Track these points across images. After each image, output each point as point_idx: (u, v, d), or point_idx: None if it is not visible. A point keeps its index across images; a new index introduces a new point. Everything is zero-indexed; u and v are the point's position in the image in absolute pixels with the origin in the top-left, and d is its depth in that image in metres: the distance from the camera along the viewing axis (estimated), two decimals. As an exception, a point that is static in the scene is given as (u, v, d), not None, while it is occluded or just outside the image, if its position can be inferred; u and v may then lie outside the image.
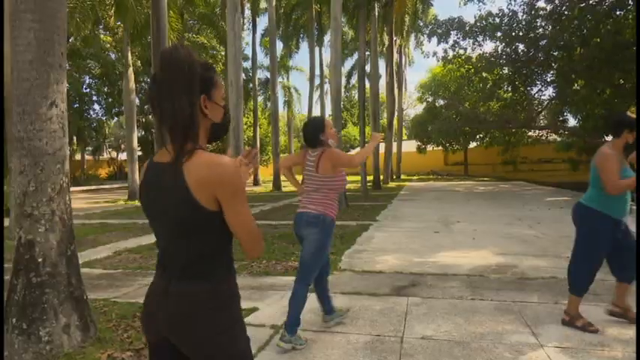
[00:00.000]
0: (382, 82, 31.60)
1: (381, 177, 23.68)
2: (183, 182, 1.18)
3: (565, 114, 21.54)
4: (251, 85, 28.61)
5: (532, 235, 7.20)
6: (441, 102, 28.09)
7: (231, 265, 1.33)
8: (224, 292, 1.28)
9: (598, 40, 15.80)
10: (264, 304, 3.88)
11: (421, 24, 24.60)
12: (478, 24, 19.46)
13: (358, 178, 24.13)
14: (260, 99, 34.55)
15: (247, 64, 30.63)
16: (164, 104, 1.20)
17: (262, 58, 35.92)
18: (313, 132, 3.07)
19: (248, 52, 33.51)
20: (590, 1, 17.13)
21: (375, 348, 2.95)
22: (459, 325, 3.31)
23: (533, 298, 3.96)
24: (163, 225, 1.27)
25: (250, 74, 29.65)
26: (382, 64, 32.48)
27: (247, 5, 26.30)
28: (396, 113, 27.35)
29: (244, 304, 3.83)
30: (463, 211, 10.70)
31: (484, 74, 20.09)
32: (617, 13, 17.13)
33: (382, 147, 30.96)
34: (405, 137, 36.32)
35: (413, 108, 47.30)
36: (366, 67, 20.15)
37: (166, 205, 1.22)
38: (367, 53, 33.69)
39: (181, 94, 1.18)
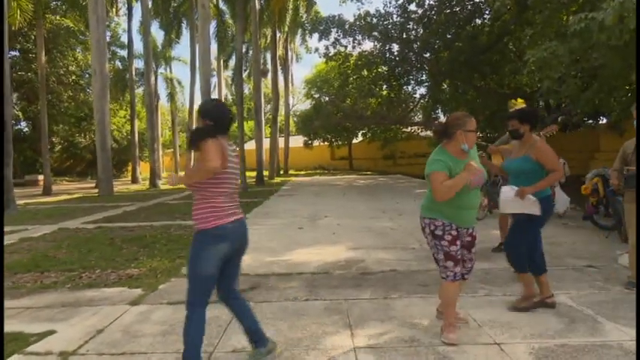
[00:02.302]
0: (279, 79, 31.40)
1: (266, 173, 23.50)
2: None
3: (437, 112, 23.24)
4: (129, 75, 26.51)
5: (389, 228, 7.45)
6: (327, 98, 28.68)
7: None
8: None
9: (459, 44, 17.19)
10: (66, 325, 3.33)
11: (305, 20, 24.75)
12: (357, 23, 20.05)
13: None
14: (140, 90, 32.21)
15: (127, 52, 28.28)
16: None
17: (142, 47, 33.55)
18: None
19: (132, 39, 30.96)
20: (455, 9, 18.55)
21: (177, 368, 2.63)
22: (280, 332, 3.13)
23: (366, 294, 3.95)
24: None
25: (127, 63, 27.47)
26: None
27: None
28: (280, 108, 27.27)
29: (39, 328, 3.32)
30: (335, 206, 10.86)
31: (365, 72, 20.89)
32: (477, 20, 18.81)
33: (267, 142, 30.71)
34: (294, 132, 36.51)
35: (303, 103, 47.85)
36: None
37: None
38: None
39: None
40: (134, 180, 25.77)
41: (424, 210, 3.03)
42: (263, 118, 21.81)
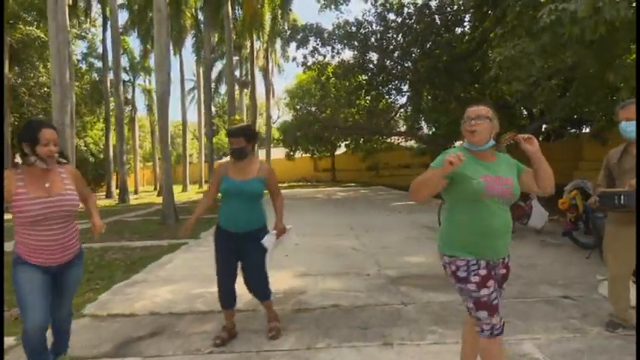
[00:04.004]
0: (260, 89, 30.78)
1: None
2: None
3: (420, 122, 22.69)
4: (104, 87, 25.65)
5: (351, 248, 6.71)
6: (309, 109, 28.04)
7: None
8: None
9: (437, 51, 16.70)
10: None
11: (283, 29, 24.15)
12: (336, 31, 19.54)
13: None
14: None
15: (102, 64, 27.44)
16: None
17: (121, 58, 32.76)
18: None
19: (107, 49, 30.11)
20: (434, 17, 18.12)
21: None
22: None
23: (288, 342, 3.20)
24: None
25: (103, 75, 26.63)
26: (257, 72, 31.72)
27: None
28: (259, 119, 26.57)
29: None
30: (303, 222, 10.09)
31: (346, 82, 20.31)
32: (457, 29, 18.38)
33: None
34: (276, 144, 35.80)
35: (287, 114, 47.22)
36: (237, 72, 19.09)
37: None
38: (236, 58, 32.56)
39: None
40: (108, 195, 24.79)
41: (441, 243, 2.29)
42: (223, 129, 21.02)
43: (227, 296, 3.30)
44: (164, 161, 10.46)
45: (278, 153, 33.94)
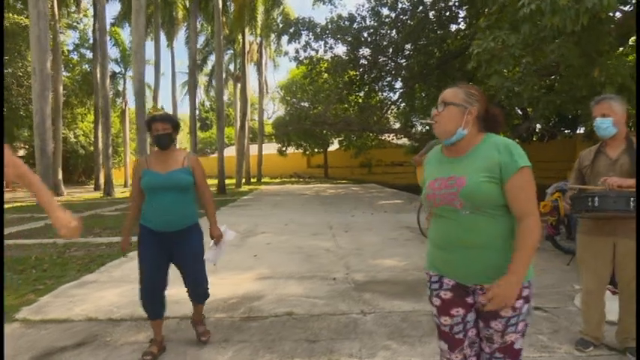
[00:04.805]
0: (255, 84, 30.36)
1: (234, 181, 22.43)
2: None
3: (413, 119, 22.37)
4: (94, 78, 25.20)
5: (323, 249, 6.39)
6: (302, 104, 27.71)
7: None
8: None
9: (430, 48, 16.38)
10: None
11: (274, 22, 23.76)
12: (329, 26, 19.21)
13: (209, 182, 22.56)
14: (109, 94, 30.84)
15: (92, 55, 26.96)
16: None
17: (112, 50, 32.32)
18: None
19: (97, 40, 29.58)
20: (429, 13, 17.78)
21: None
22: None
23: (223, 358, 2.88)
24: None
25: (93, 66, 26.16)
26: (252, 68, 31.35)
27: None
28: (249, 114, 26.22)
29: None
30: (283, 219, 9.78)
31: (338, 78, 19.98)
32: (452, 26, 18.04)
33: (233, 149, 29.69)
34: (268, 140, 35.40)
35: (282, 110, 46.81)
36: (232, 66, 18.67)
37: None
38: (231, 52, 32.13)
39: None
40: (97, 187, 24.44)
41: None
42: (224, 124, 20.76)
43: (155, 305, 2.97)
44: (140, 153, 10.11)
45: (271, 148, 33.61)
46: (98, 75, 23.60)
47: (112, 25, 30.00)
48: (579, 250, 3.00)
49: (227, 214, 10.93)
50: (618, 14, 5.74)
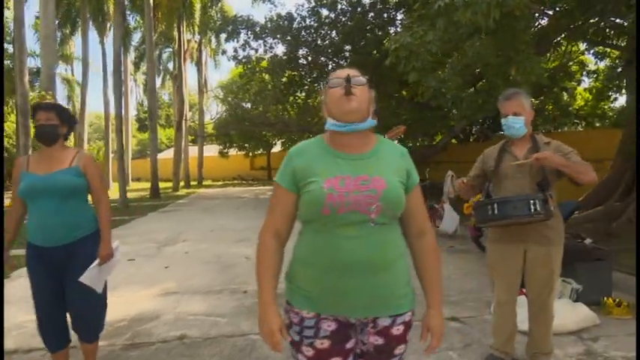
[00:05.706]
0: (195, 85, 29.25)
1: (171, 184, 21.44)
2: None
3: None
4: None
5: (244, 257, 5.94)
6: (243, 104, 27.04)
7: None
8: None
9: (368, 49, 16.37)
10: None
11: (212, 20, 22.94)
12: (269, 25, 18.82)
13: (146, 185, 21.35)
14: (32, 93, 28.64)
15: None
16: None
17: (34, 44, 30.06)
18: None
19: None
20: (368, 15, 17.80)
21: None
22: None
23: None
24: None
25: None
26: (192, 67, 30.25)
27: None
28: (187, 113, 25.26)
29: None
30: (210, 226, 9.23)
31: (277, 78, 19.57)
32: (389, 29, 18.14)
33: (171, 152, 28.55)
34: (213, 141, 34.35)
35: (226, 110, 45.65)
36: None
37: None
38: (170, 50, 30.86)
39: None
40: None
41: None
42: (158, 125, 19.81)
43: (55, 334, 2.43)
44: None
45: (213, 150, 32.56)
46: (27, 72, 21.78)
47: (37, 17, 27.93)
48: (490, 260, 2.78)
49: (151, 221, 10.22)
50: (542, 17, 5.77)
